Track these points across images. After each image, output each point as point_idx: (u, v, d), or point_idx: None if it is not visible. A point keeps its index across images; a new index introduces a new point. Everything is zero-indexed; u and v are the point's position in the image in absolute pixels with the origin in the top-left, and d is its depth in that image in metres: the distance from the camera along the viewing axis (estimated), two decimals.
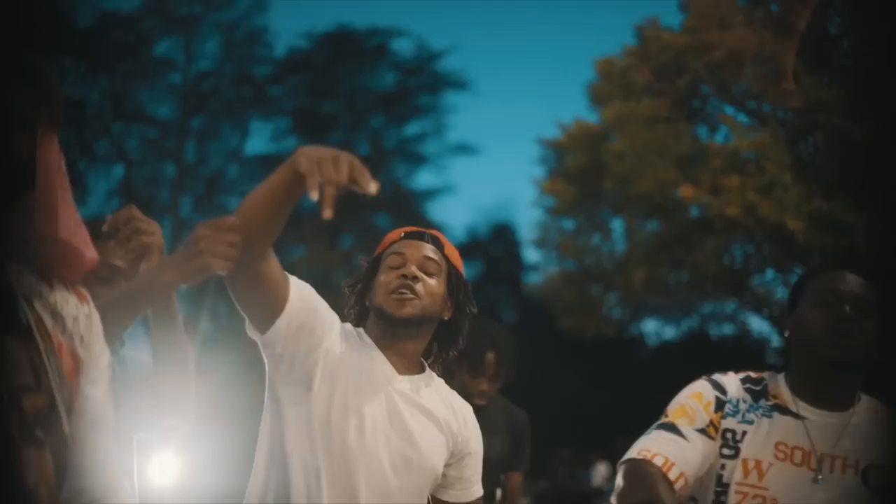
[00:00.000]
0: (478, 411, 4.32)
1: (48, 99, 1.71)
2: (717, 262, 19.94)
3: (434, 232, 2.68)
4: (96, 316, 1.86)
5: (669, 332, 30.20)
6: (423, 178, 39.21)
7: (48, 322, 1.71)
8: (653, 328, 31.09)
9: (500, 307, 30.99)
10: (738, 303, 21.77)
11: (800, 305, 2.67)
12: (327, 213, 1.97)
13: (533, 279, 29.29)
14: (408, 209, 28.01)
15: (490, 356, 4.27)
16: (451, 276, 2.63)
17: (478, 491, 2.76)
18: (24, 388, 1.59)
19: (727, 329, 27.74)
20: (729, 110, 20.23)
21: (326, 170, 2.00)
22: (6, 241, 1.72)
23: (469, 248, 32.56)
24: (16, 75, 1.67)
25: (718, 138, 20.38)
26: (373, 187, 1.99)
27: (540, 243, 23.81)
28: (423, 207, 30.04)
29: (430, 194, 33.30)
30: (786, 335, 2.71)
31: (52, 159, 1.72)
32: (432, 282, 2.56)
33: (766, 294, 20.96)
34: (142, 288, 2.21)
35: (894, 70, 17.10)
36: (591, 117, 21.97)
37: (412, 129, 30.52)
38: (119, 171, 26.56)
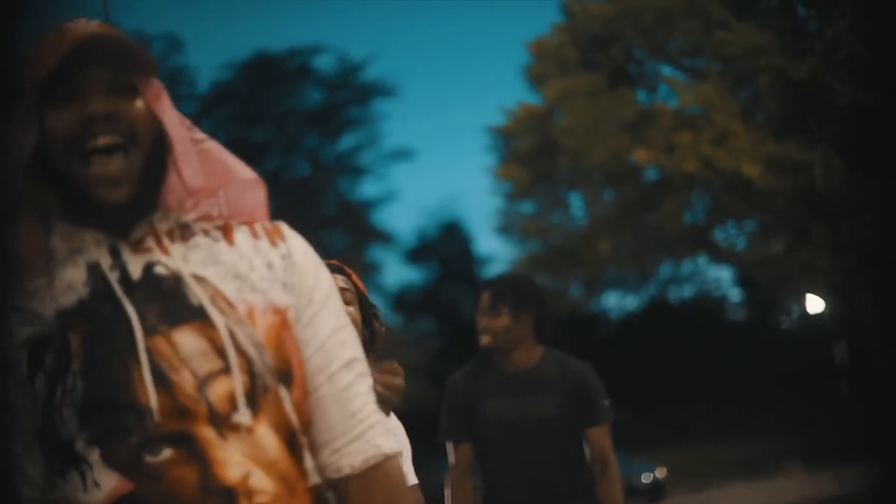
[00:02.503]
0: (527, 372, 4.17)
1: (129, 51, 1.58)
2: (678, 220, 20.19)
3: (336, 262, 2.79)
4: (299, 249, 1.70)
5: (631, 303, 30.45)
6: (367, 189, 39.26)
7: (228, 289, 1.57)
8: (614, 301, 31.33)
9: (461, 304, 31.03)
10: (706, 256, 22.05)
11: None
12: None
13: (494, 270, 29.28)
14: (356, 222, 27.95)
15: (484, 294, 4.25)
16: (363, 301, 2.79)
17: None
18: (210, 377, 1.48)
19: (687, 291, 28.06)
20: (666, 70, 20.53)
21: None
22: (167, 217, 1.62)
23: (421, 251, 32.59)
24: (92, 45, 1.55)
25: (660, 99, 20.68)
26: None
27: (502, 230, 23.85)
28: (371, 218, 29.91)
29: (376, 203, 33.23)
30: None
31: (167, 105, 1.61)
32: (351, 310, 2.67)
33: (730, 246, 21.28)
34: None
35: (821, 3, 17.51)
36: (533, 99, 22.14)
37: (347, 142, 30.30)
38: None
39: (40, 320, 1.52)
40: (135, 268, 1.56)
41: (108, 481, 1.44)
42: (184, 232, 1.63)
